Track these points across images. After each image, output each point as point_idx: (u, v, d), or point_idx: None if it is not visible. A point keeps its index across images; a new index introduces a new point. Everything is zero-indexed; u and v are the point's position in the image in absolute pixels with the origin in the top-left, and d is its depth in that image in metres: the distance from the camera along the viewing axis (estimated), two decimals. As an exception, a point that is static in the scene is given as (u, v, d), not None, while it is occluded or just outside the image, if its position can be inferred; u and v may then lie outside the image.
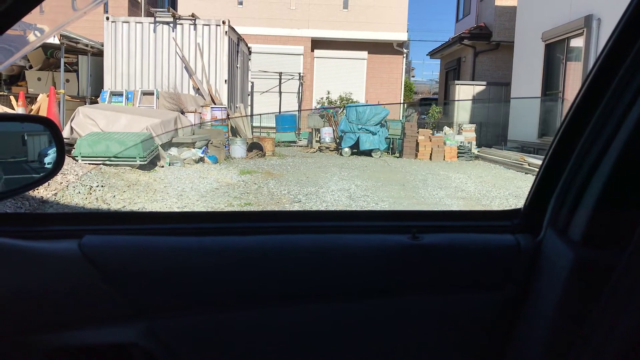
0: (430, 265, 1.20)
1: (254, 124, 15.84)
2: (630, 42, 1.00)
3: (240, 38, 13.52)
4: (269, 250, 1.17)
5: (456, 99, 16.18)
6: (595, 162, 1.08)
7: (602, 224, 1.05)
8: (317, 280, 1.17)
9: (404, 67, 18.35)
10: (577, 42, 10.90)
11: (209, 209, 5.78)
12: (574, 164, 1.13)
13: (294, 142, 14.87)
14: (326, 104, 16.11)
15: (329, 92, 17.20)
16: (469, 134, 13.36)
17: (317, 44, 17.28)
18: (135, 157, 7.45)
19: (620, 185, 1.04)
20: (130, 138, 7.64)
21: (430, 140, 12.56)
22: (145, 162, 7.61)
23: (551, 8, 11.86)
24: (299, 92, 17.39)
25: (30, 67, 12.24)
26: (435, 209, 5.54)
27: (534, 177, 1.26)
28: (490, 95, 15.96)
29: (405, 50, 17.83)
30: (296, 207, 6.11)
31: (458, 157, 12.53)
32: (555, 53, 11.90)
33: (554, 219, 1.17)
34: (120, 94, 10.99)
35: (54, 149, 1.29)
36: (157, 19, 11.92)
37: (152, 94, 11.00)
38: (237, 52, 13.24)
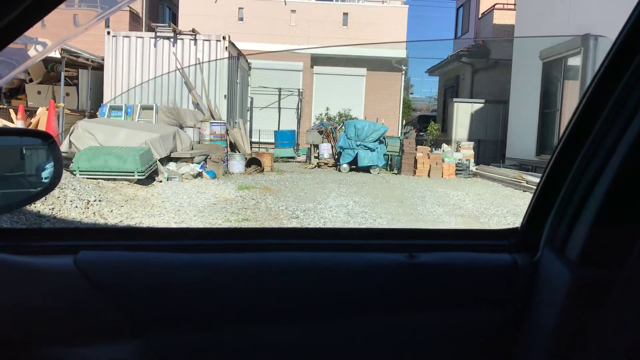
0: (427, 284, 1.19)
1: (253, 140, 15.88)
2: (627, 60, 1.00)
3: (240, 53, 13.62)
4: (265, 267, 1.16)
5: (454, 116, 16.25)
6: (592, 181, 1.08)
7: (599, 242, 1.05)
8: (314, 298, 1.17)
9: (403, 84, 18.47)
10: (575, 61, 11.00)
11: (207, 225, 5.76)
12: (571, 183, 1.13)
13: (293, 157, 14.89)
14: (325, 120, 16.17)
15: (328, 108, 17.27)
16: (467, 152, 13.41)
17: (317, 60, 17.40)
18: (133, 172, 7.44)
19: (616, 203, 1.04)
20: (129, 152, 7.63)
21: (429, 157, 12.59)
22: (144, 177, 7.59)
23: (549, 27, 11.99)
24: (298, 108, 17.47)
25: (31, 80, 12.31)
26: (432, 227, 5.53)
27: (532, 195, 1.26)
28: (488, 112, 16.04)
29: (403, 67, 17.96)
30: (294, 223, 6.09)
31: (456, 174, 12.55)
32: (553, 72, 12.00)
33: (551, 238, 1.17)
34: (120, 108, 11.02)
35: (52, 163, 1.28)
36: (158, 34, 12.02)
37: (151, 108, 11.04)
38: (237, 67, 13.32)
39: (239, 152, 11.46)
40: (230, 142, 11.63)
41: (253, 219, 6.21)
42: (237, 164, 10.67)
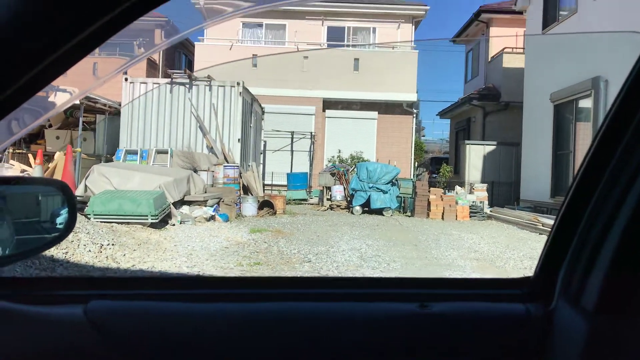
0: (440, 335, 1.17)
1: (266, 182, 15.98)
2: (638, 100, 0.99)
3: (254, 98, 13.89)
4: (273, 318, 1.15)
5: (467, 158, 16.26)
6: (605, 227, 1.04)
7: (616, 291, 1.02)
8: (323, 350, 1.14)
9: (414, 126, 18.61)
10: (586, 103, 11.03)
11: (218, 268, 5.72)
12: (584, 230, 1.10)
13: (305, 200, 14.91)
14: (337, 163, 16.26)
15: (340, 151, 17.41)
16: (481, 194, 13.33)
17: (329, 104, 17.68)
18: (147, 215, 7.48)
19: (632, 250, 1.01)
20: (143, 196, 7.70)
21: (442, 200, 12.52)
22: (157, 220, 7.63)
23: (558, 71, 12.10)
24: (310, 151, 17.62)
25: (50, 125, 12.62)
26: (444, 277, 5.41)
27: (545, 241, 1.24)
28: (501, 154, 16.04)
29: (415, 110, 18.14)
30: (306, 267, 6.02)
31: (470, 216, 12.44)
32: (564, 113, 12.03)
33: (566, 287, 1.14)
34: (135, 153, 11.21)
35: (66, 209, 1.30)
36: (174, 80, 12.34)
37: (166, 152, 11.21)
38: (251, 112, 13.56)
39: (252, 194, 11.51)
40: (244, 185, 11.71)
41: (265, 262, 6.16)
42: (249, 206, 10.69)
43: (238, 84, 12.25)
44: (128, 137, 12.02)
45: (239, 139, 12.08)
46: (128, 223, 7.46)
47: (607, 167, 1.06)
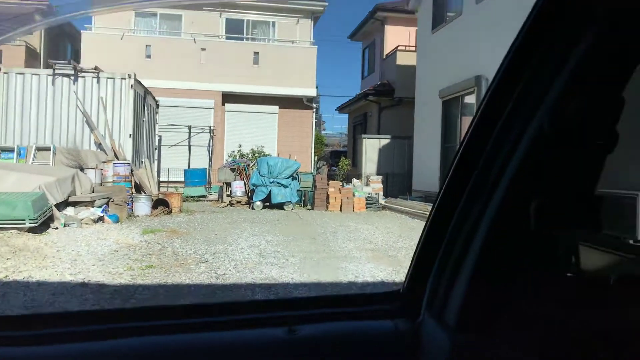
0: None
1: (162, 179, 15.35)
2: (503, 102, 0.97)
3: (147, 91, 13.24)
4: (127, 355, 1.01)
5: (364, 151, 16.79)
6: (467, 240, 1.01)
7: (475, 307, 0.99)
8: None
9: (314, 120, 18.85)
10: (470, 99, 11.83)
11: (106, 274, 5.39)
12: (449, 241, 1.05)
13: (204, 196, 14.55)
14: (238, 158, 16.04)
15: (240, 146, 17.18)
16: (377, 185, 13.84)
17: (228, 98, 17.36)
18: (24, 219, 6.85)
19: (490, 267, 0.98)
20: (19, 198, 7.04)
21: (340, 192, 12.83)
22: (36, 224, 7.01)
23: (446, 69, 12.86)
24: (209, 146, 17.21)
25: None
26: (315, 295, 5.46)
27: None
28: (395, 147, 16.75)
29: (314, 105, 18.38)
30: (202, 268, 5.86)
31: (366, 207, 12.87)
32: (451, 109, 12.81)
33: (431, 301, 1.08)
34: (11, 150, 10.22)
35: None
36: (57, 71, 11.41)
37: (48, 149, 10.34)
38: (144, 105, 12.92)
39: (145, 193, 10.98)
40: (136, 183, 11.14)
41: (158, 265, 5.90)
42: (142, 205, 10.19)
43: (129, 76, 11.61)
44: (2, 132, 10.93)
45: (130, 135, 11.46)
46: (2, 229, 6.79)
47: (472, 173, 1.02)
